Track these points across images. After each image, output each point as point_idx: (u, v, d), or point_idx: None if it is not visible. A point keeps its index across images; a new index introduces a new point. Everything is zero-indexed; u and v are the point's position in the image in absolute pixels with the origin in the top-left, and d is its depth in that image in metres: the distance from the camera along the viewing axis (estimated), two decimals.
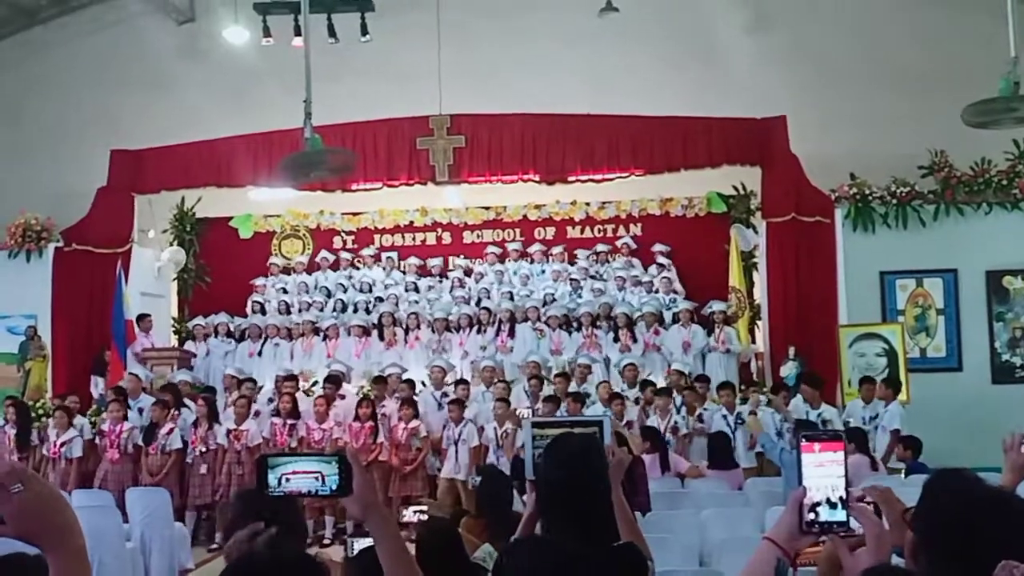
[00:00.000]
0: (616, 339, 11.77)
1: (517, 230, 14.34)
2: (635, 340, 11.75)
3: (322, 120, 10.33)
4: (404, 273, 13.88)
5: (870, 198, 11.64)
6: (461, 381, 10.89)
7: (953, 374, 11.40)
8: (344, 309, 13.03)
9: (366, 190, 12.96)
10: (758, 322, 12.54)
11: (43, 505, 1.45)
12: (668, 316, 12.19)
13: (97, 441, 9.90)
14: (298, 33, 11.42)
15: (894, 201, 11.61)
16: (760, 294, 12.53)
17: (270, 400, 10.73)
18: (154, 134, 12.98)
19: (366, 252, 14.17)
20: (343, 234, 14.63)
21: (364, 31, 12.75)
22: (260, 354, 12.29)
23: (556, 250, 13.80)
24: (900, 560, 1.88)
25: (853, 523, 1.64)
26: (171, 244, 14.00)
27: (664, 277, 12.91)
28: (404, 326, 12.30)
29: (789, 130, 12.01)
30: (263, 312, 13.10)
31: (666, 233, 13.83)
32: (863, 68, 13.30)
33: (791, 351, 11.27)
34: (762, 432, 8.66)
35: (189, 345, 12.73)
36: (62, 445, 9.81)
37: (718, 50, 13.24)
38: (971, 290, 11.51)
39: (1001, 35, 11.97)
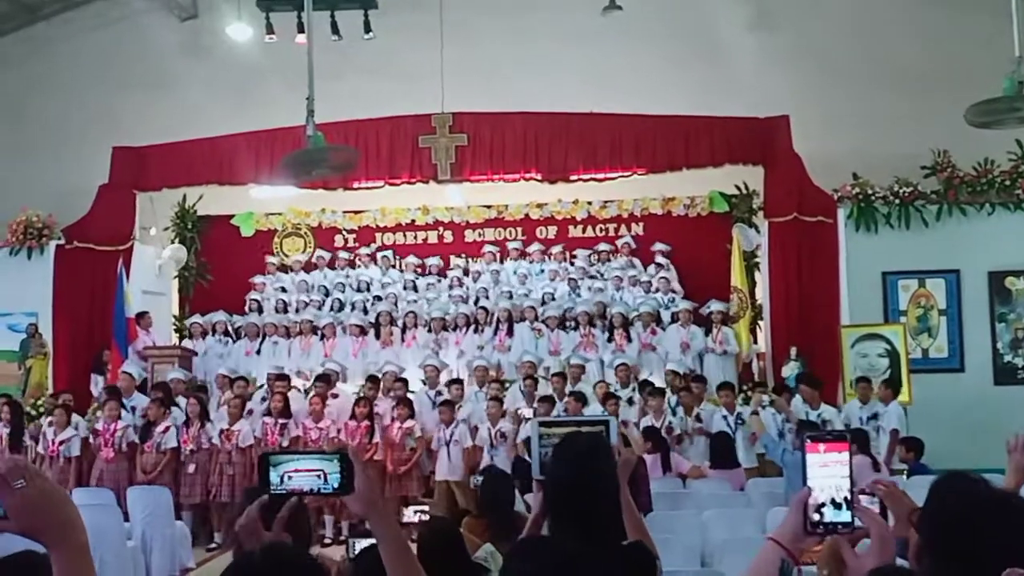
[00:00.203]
0: (611, 339, 11.77)
1: (519, 229, 14.33)
2: (630, 340, 11.73)
3: (324, 118, 10.32)
4: (402, 272, 13.87)
5: (873, 198, 11.63)
6: (453, 381, 10.87)
7: (955, 375, 11.39)
8: (342, 308, 13.02)
9: (368, 188, 12.96)
10: (760, 322, 12.53)
11: (46, 501, 1.45)
12: (667, 316, 12.17)
13: (91, 440, 9.87)
14: (301, 30, 11.43)
15: (897, 201, 11.59)
16: (762, 294, 12.51)
17: (263, 399, 10.70)
18: (156, 131, 12.97)
19: (363, 251, 14.15)
20: (344, 232, 14.62)
21: (367, 28, 12.75)
22: (258, 352, 12.28)
23: (556, 249, 13.78)
24: (903, 561, 1.87)
25: (857, 522, 1.63)
26: (172, 242, 13.99)
27: (663, 277, 12.89)
28: (401, 325, 12.30)
29: (792, 129, 12.00)
30: (260, 311, 13.10)
31: (668, 232, 13.82)
32: (866, 67, 13.29)
33: (793, 351, 11.27)
34: (764, 432, 8.65)
35: (187, 343, 12.72)
36: (61, 443, 9.80)
37: (721, 49, 13.23)
38: (973, 291, 11.49)
39: (1004, 34, 11.95)
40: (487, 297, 12.74)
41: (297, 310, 13.05)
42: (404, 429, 9.97)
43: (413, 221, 14.49)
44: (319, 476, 1.81)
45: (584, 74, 13.43)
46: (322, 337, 12.26)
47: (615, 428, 2.68)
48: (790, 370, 11.02)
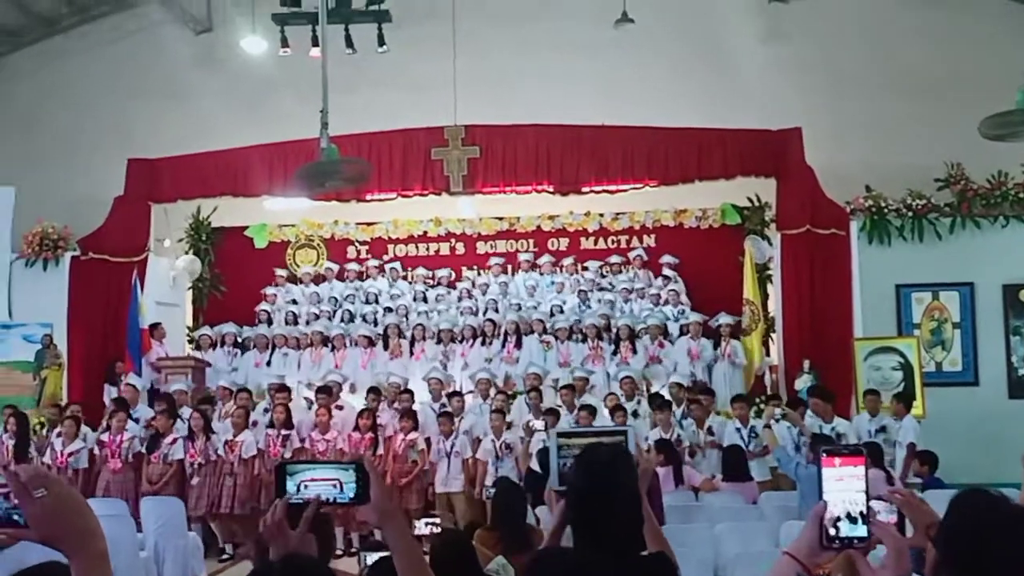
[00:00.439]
0: (616, 352, 11.74)
1: (530, 241, 14.35)
2: (635, 352, 11.71)
3: (338, 130, 10.40)
4: (411, 283, 13.89)
5: (886, 210, 11.59)
6: (453, 393, 10.86)
7: (969, 388, 11.31)
8: (352, 319, 13.06)
9: (380, 200, 13.01)
10: (772, 335, 12.48)
11: (66, 509, 1.46)
12: (675, 328, 12.15)
13: (97, 451, 9.89)
14: (315, 44, 11.50)
15: (910, 214, 11.55)
16: (775, 307, 12.48)
17: (265, 411, 10.70)
18: (171, 143, 13.07)
19: (372, 263, 14.20)
20: (357, 244, 14.67)
21: (381, 42, 12.82)
22: (268, 364, 12.32)
23: (567, 261, 13.79)
24: None
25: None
26: (186, 253, 14.06)
27: (672, 289, 12.88)
28: (410, 337, 12.32)
29: (804, 142, 11.99)
30: (270, 322, 13.15)
31: (680, 245, 13.80)
32: (878, 79, 13.28)
33: (806, 364, 11.22)
34: (777, 446, 8.61)
35: (196, 355, 12.76)
36: (69, 455, 9.84)
37: (732, 61, 13.24)
38: (988, 304, 11.43)
39: (1017, 47, 11.94)
40: (496, 310, 12.74)
41: (308, 322, 13.08)
42: (407, 441, 9.97)
43: (425, 233, 14.52)
44: (335, 485, 1.82)
45: (596, 86, 13.46)
46: (332, 349, 12.29)
47: (632, 439, 2.68)
48: (803, 383, 10.97)
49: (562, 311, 12.66)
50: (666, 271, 13.40)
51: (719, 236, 13.80)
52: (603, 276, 13.61)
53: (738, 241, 13.15)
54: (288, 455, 9.77)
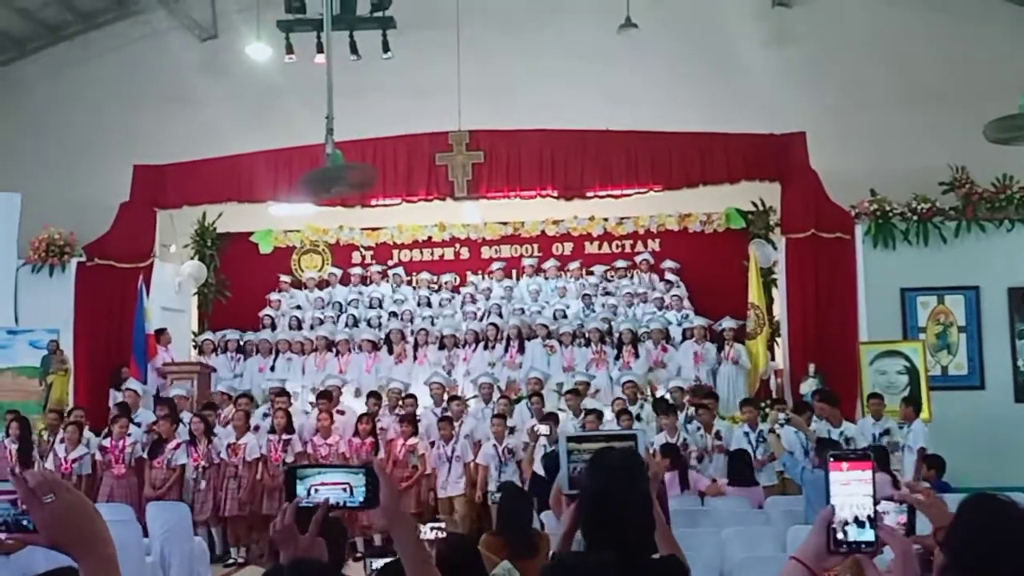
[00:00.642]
0: (618, 356, 11.74)
1: (535, 245, 14.35)
2: (637, 356, 11.70)
3: (342, 136, 10.44)
4: (415, 288, 13.91)
5: (890, 214, 11.58)
6: (453, 397, 10.86)
7: (975, 392, 11.29)
8: (356, 324, 13.07)
9: (385, 205, 13.04)
10: (777, 339, 12.47)
11: (74, 514, 1.46)
12: (678, 333, 12.14)
13: (99, 457, 9.89)
14: (320, 50, 11.52)
15: (915, 217, 11.55)
16: (779, 311, 12.47)
17: (264, 415, 10.69)
18: (176, 149, 13.11)
19: (375, 268, 14.21)
20: (362, 249, 14.69)
21: (385, 48, 12.84)
22: (272, 369, 12.33)
23: (573, 265, 13.80)
24: None
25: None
26: (192, 259, 14.10)
27: (675, 295, 12.87)
28: (413, 342, 12.31)
29: (808, 146, 11.98)
30: (274, 327, 13.16)
31: (684, 249, 13.80)
32: (883, 83, 13.28)
33: (811, 368, 11.20)
34: (783, 451, 8.59)
35: (201, 360, 12.77)
36: (73, 462, 9.84)
37: (737, 65, 13.26)
38: (993, 307, 11.41)
39: (1021, 51, 11.93)
40: (499, 314, 12.75)
41: (312, 327, 13.10)
42: (407, 446, 9.98)
43: (430, 238, 14.54)
44: (345, 489, 1.83)
45: (600, 91, 13.47)
46: (337, 353, 12.31)
47: (643, 443, 2.69)
48: (808, 387, 10.95)
49: (565, 316, 12.66)
50: (668, 275, 13.40)
51: (723, 240, 13.80)
52: (609, 280, 13.61)
53: (743, 245, 13.14)
54: (290, 459, 9.78)
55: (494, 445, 9.79)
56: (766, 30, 13.70)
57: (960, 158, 11.59)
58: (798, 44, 13.68)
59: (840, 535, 1.61)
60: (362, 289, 13.97)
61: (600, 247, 14.30)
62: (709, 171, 12.38)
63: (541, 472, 8.43)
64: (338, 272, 14.27)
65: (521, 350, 12.00)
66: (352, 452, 10.00)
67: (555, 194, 12.78)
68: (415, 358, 12.23)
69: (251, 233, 14.62)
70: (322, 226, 14.62)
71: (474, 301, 13.33)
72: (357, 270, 14.29)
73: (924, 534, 2.13)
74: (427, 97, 12.96)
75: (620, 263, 13.83)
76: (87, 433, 10.25)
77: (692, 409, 10.29)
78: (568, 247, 14.31)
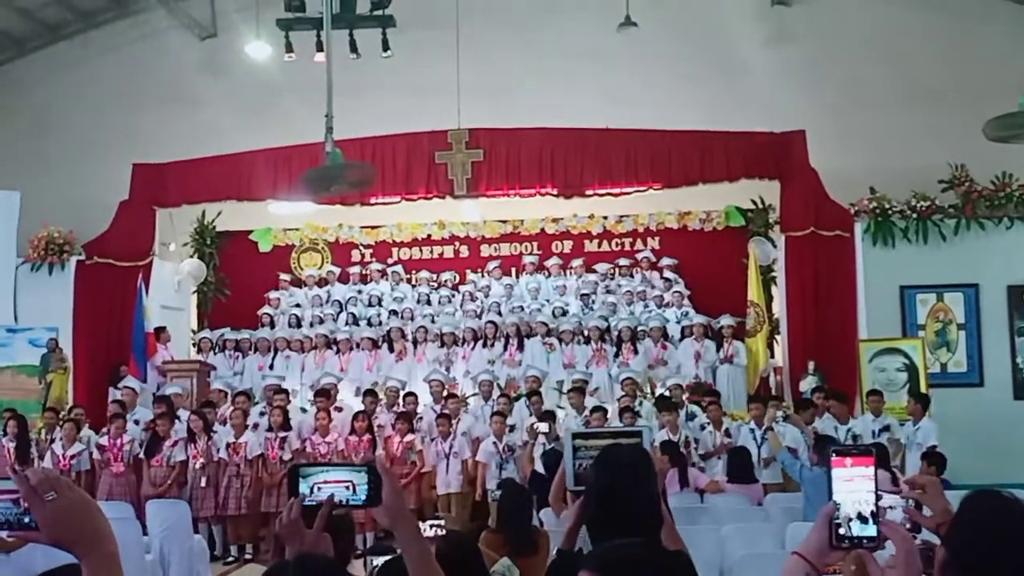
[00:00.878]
0: (618, 354, 11.75)
1: (534, 244, 14.35)
2: (636, 354, 11.71)
3: (342, 134, 10.45)
4: (414, 286, 13.91)
5: (890, 212, 11.59)
6: (450, 395, 10.87)
7: (974, 389, 11.31)
8: (356, 322, 13.07)
9: (384, 204, 13.04)
10: (777, 336, 12.48)
11: (76, 512, 1.46)
12: (677, 331, 12.13)
13: (97, 455, 9.89)
14: (320, 49, 11.51)
15: (914, 215, 11.55)
16: (779, 308, 12.48)
17: (261, 413, 10.68)
18: (175, 148, 13.11)
19: (374, 266, 14.21)
20: (361, 247, 14.69)
21: (385, 47, 12.83)
22: (271, 367, 12.33)
23: (576, 263, 13.79)
24: None
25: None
26: (191, 257, 14.10)
27: (676, 292, 12.88)
28: (412, 340, 12.32)
29: (808, 144, 11.99)
30: (273, 325, 13.15)
31: (683, 247, 13.80)
32: (882, 82, 13.28)
33: (810, 366, 11.21)
34: (781, 448, 8.60)
35: (200, 358, 12.77)
36: (71, 458, 9.85)
37: (737, 64, 13.26)
38: (992, 305, 11.42)
39: (1021, 50, 11.94)
40: (499, 313, 12.75)
41: (312, 324, 13.10)
42: (405, 444, 9.99)
43: (429, 236, 14.54)
44: (348, 487, 1.84)
45: (599, 89, 13.47)
46: (337, 352, 12.31)
47: (648, 440, 2.70)
48: (807, 384, 10.96)
49: (564, 313, 12.67)
50: (667, 273, 13.40)
51: (723, 238, 13.80)
52: (611, 278, 13.60)
53: (742, 243, 13.15)
54: (287, 457, 9.79)
55: (494, 443, 9.79)
56: (765, 29, 13.69)
57: (959, 156, 11.60)
58: (798, 43, 13.68)
59: (843, 530, 1.62)
60: (361, 287, 13.98)
61: (599, 245, 14.31)
62: (709, 169, 12.38)
63: (540, 470, 8.44)
64: (337, 270, 14.26)
65: (520, 348, 12.00)
66: (350, 450, 10.00)
67: (554, 192, 12.78)
68: (415, 355, 12.22)
69: (250, 231, 14.62)
70: (321, 224, 14.62)
71: (473, 299, 13.33)
72: (356, 268, 14.30)
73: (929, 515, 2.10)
74: (427, 96, 12.95)
75: (623, 261, 13.82)
76: (86, 431, 10.26)
77: (694, 407, 10.29)
78: (567, 245, 14.31)
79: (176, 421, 10.17)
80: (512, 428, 10.07)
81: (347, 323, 13.10)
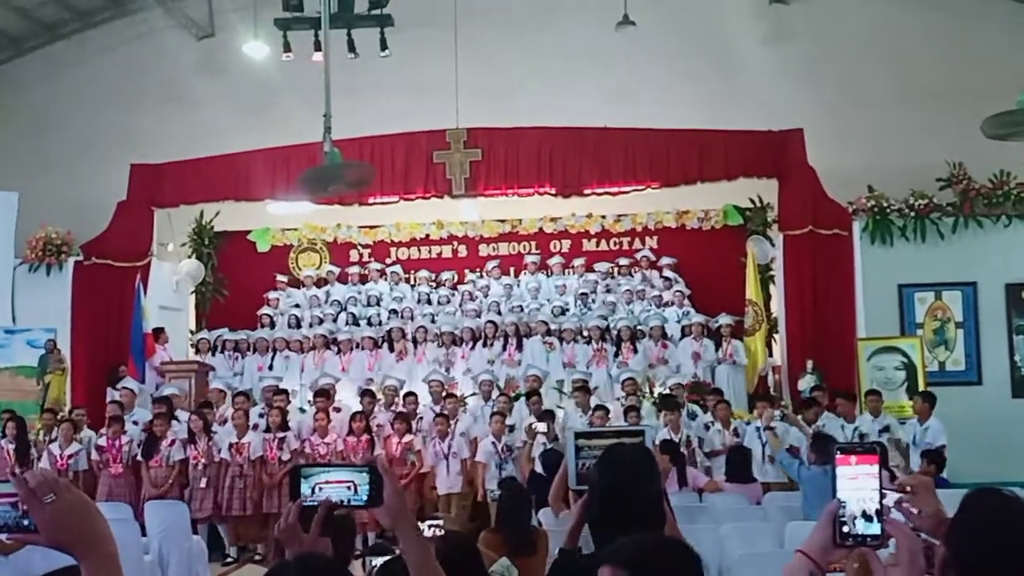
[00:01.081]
0: (617, 353, 11.75)
1: (533, 243, 14.35)
2: (635, 353, 11.71)
3: (340, 134, 10.43)
4: (413, 286, 13.90)
5: (888, 211, 11.59)
6: (448, 395, 10.87)
7: (973, 388, 11.31)
8: (356, 322, 13.06)
9: (383, 203, 13.03)
10: (775, 335, 12.48)
11: (75, 514, 1.46)
12: (676, 330, 12.13)
13: (95, 456, 9.87)
14: (318, 48, 11.50)
15: (912, 214, 11.55)
16: (777, 307, 12.48)
17: (261, 415, 10.66)
18: (173, 148, 13.10)
19: (373, 266, 14.20)
20: (360, 247, 14.68)
21: (383, 46, 12.82)
22: (271, 368, 12.32)
23: (578, 262, 13.78)
24: None
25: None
26: (189, 257, 14.09)
27: (677, 291, 12.88)
28: (411, 340, 12.31)
29: (806, 142, 11.99)
30: (272, 326, 13.14)
31: (682, 246, 13.80)
32: (881, 80, 13.29)
33: (809, 364, 11.22)
34: (781, 448, 8.60)
35: (198, 359, 12.76)
36: (69, 458, 9.83)
37: (735, 62, 13.26)
38: (990, 303, 11.42)
39: (1019, 48, 11.94)
40: (499, 312, 12.74)
41: (311, 324, 13.09)
42: (404, 444, 9.97)
43: (428, 236, 14.53)
44: (349, 487, 1.84)
45: (598, 88, 13.47)
46: (338, 352, 12.30)
47: (650, 439, 2.70)
48: (806, 383, 10.97)
49: (564, 312, 12.66)
50: (667, 272, 13.40)
51: (721, 237, 13.81)
52: (612, 278, 13.59)
53: (740, 242, 13.15)
54: (286, 458, 9.78)
55: (493, 443, 9.79)
56: (764, 28, 13.69)
57: (957, 154, 11.59)
58: (796, 41, 13.69)
59: (847, 528, 1.61)
60: (360, 287, 13.97)
61: (598, 245, 14.31)
62: (707, 168, 12.38)
63: (539, 470, 8.43)
64: (336, 270, 14.25)
65: (520, 347, 12.00)
66: (349, 451, 9.99)
67: (553, 192, 12.78)
68: (415, 355, 12.21)
69: (249, 232, 14.61)
70: (320, 224, 14.61)
71: (472, 299, 13.33)
72: (355, 268, 14.29)
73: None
74: (425, 95, 12.95)
75: (623, 260, 13.82)
76: (86, 431, 10.25)
77: (694, 406, 10.29)
78: (566, 244, 14.31)
79: (175, 422, 10.16)
80: (512, 428, 10.06)
81: (347, 323, 13.09)
